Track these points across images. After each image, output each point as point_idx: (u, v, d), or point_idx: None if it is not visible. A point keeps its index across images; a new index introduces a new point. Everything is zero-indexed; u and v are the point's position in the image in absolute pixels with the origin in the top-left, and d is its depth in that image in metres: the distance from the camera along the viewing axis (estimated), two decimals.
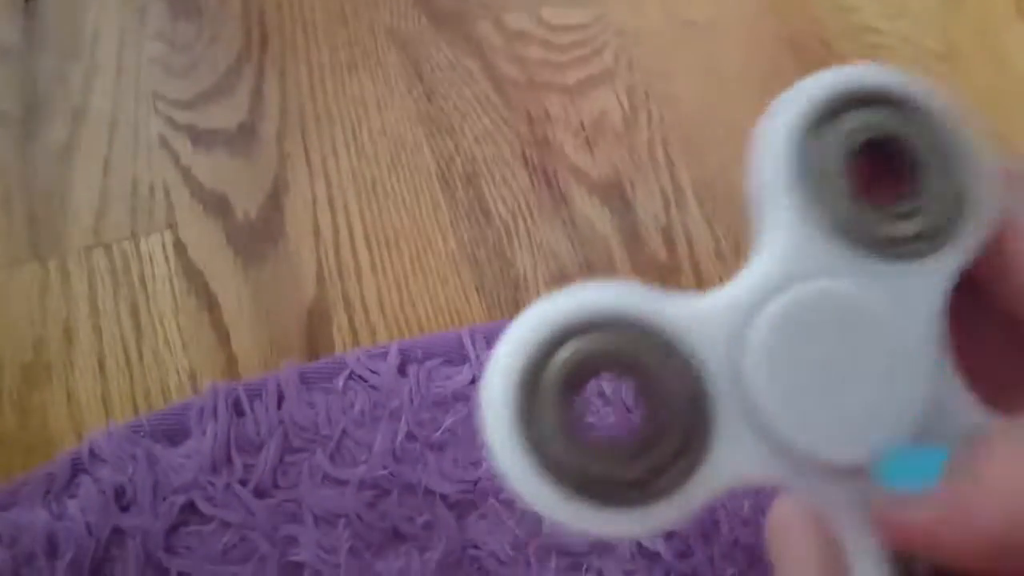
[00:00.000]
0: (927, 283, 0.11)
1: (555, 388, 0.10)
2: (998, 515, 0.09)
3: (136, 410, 0.33)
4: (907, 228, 0.11)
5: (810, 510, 0.12)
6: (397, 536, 0.30)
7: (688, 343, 0.10)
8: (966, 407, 0.12)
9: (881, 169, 0.12)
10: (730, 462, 0.10)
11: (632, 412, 0.27)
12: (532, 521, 0.30)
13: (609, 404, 0.28)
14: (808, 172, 0.11)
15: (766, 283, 0.11)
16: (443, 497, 0.30)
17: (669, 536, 0.30)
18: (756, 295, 0.11)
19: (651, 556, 0.30)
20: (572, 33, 0.45)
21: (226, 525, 0.30)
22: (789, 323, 0.11)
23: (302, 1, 0.46)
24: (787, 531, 0.12)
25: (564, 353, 0.10)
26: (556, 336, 0.10)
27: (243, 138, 0.40)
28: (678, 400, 0.10)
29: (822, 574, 0.11)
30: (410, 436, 0.31)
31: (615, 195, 0.39)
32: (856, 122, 0.11)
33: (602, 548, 0.30)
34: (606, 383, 0.27)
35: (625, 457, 0.10)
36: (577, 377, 0.10)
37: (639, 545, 0.30)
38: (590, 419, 0.27)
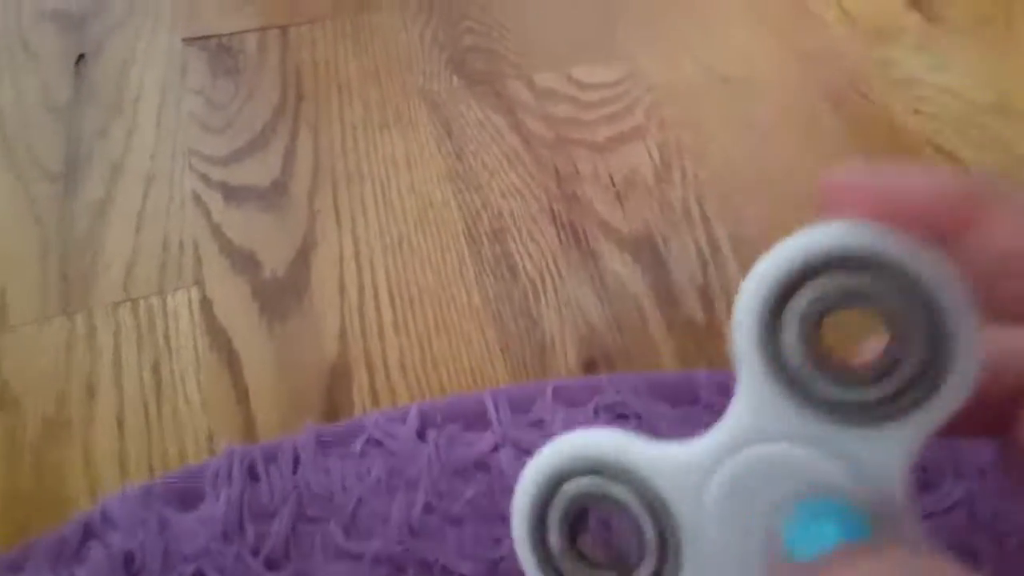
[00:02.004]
0: (889, 448, 0.11)
1: (559, 520, 0.13)
2: None
3: (152, 470, 0.32)
4: (869, 393, 0.11)
5: None
6: None
7: (660, 488, 0.13)
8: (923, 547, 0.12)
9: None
10: None
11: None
12: None
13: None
14: (771, 339, 0.12)
15: (727, 442, 0.12)
16: None
17: None
18: (715, 454, 0.12)
19: None
20: (602, 91, 0.45)
21: None
22: (736, 484, 0.12)
23: (338, 61, 0.47)
24: None
25: (567, 491, 0.13)
26: (559, 477, 0.13)
27: (275, 195, 0.41)
28: (647, 532, 0.13)
29: None
30: (428, 508, 0.30)
31: (647, 251, 0.38)
32: (819, 290, 0.11)
33: None
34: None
35: (601, 570, 0.13)
36: (574, 513, 0.13)
37: None
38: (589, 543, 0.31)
